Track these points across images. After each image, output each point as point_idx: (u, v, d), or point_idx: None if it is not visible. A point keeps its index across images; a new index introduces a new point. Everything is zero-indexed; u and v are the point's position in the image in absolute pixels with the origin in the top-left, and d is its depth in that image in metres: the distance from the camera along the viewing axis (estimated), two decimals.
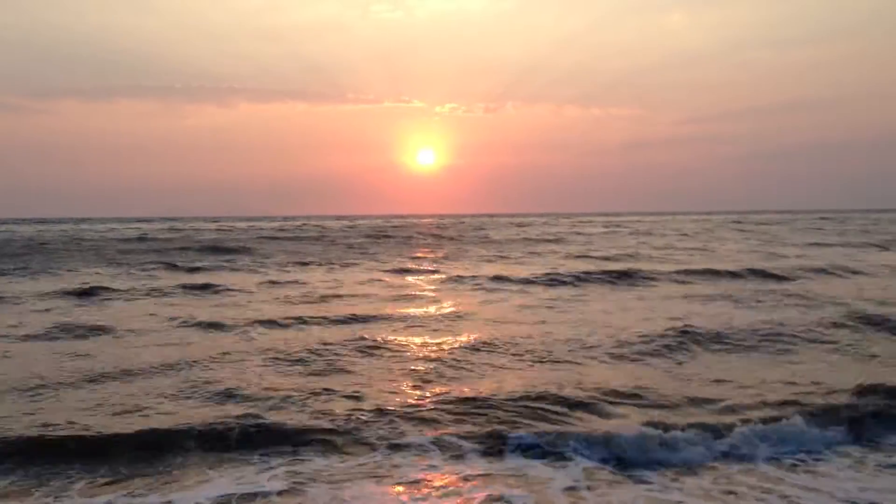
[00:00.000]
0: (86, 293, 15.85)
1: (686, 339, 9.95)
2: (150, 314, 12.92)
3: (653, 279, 18.41)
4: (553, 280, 18.21)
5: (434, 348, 9.63)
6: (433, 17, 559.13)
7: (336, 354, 9.18)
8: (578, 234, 48.50)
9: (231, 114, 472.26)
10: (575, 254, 28.23)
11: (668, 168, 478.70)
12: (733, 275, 19.14)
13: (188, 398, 7.18)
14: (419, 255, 29.58)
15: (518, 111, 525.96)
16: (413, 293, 16.07)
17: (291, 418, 6.43)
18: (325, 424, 6.25)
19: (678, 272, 19.63)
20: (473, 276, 19.16)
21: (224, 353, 9.29)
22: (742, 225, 63.36)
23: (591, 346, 9.61)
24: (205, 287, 16.97)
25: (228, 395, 7.22)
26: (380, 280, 18.96)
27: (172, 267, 22.97)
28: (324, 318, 12.16)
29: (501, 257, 27.38)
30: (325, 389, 7.40)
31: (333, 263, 24.52)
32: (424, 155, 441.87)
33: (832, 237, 39.61)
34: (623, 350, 9.41)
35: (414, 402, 6.96)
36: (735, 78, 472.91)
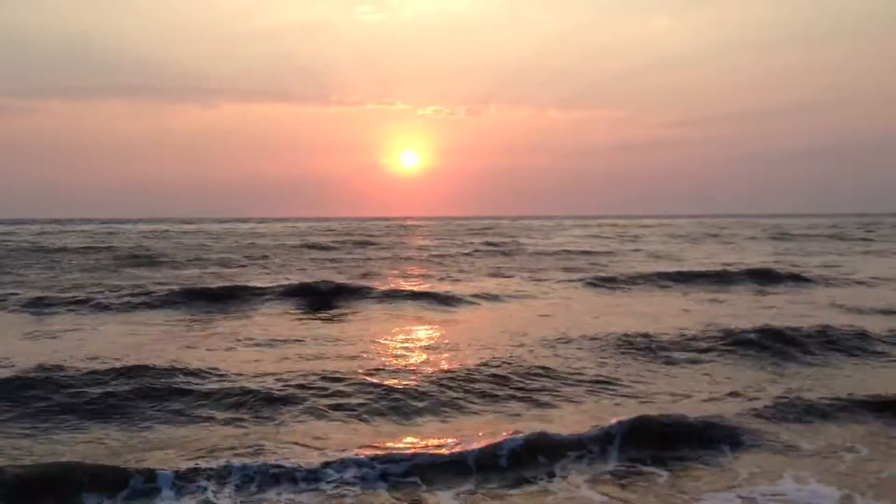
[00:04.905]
0: None
1: None
2: None
3: None
4: None
5: None
6: (416, 19, 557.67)
7: None
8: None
9: (214, 114, 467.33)
10: None
11: (653, 171, 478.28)
12: None
13: None
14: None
15: (501, 113, 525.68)
16: None
17: None
18: None
19: None
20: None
21: None
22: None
23: None
24: None
25: None
26: None
27: None
28: None
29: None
30: None
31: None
32: (408, 157, 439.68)
33: None
34: None
35: None
36: (721, 81, 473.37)
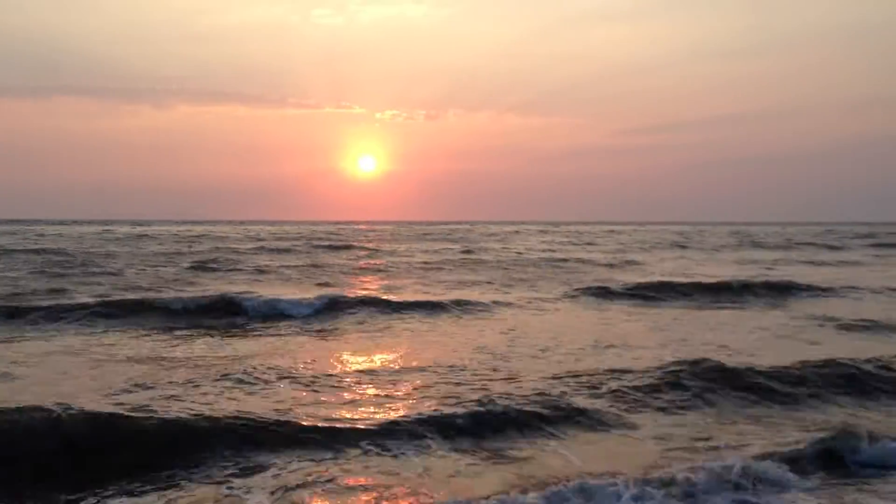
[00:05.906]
0: None
1: None
2: None
3: None
4: None
5: None
6: (374, 23, 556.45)
7: None
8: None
9: (168, 115, 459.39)
10: None
11: (612, 177, 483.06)
12: None
13: None
14: None
15: (459, 118, 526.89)
16: None
17: None
18: None
19: None
20: None
21: None
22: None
23: None
24: None
25: None
26: None
27: None
28: None
29: None
30: None
31: None
32: (365, 161, 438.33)
33: None
34: None
35: None
36: (679, 89, 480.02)
